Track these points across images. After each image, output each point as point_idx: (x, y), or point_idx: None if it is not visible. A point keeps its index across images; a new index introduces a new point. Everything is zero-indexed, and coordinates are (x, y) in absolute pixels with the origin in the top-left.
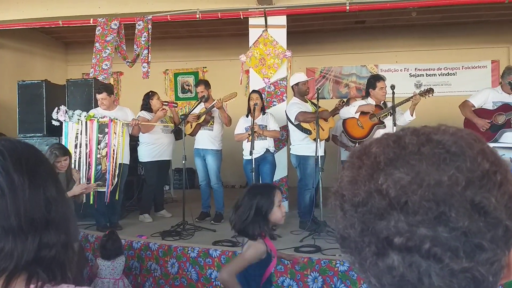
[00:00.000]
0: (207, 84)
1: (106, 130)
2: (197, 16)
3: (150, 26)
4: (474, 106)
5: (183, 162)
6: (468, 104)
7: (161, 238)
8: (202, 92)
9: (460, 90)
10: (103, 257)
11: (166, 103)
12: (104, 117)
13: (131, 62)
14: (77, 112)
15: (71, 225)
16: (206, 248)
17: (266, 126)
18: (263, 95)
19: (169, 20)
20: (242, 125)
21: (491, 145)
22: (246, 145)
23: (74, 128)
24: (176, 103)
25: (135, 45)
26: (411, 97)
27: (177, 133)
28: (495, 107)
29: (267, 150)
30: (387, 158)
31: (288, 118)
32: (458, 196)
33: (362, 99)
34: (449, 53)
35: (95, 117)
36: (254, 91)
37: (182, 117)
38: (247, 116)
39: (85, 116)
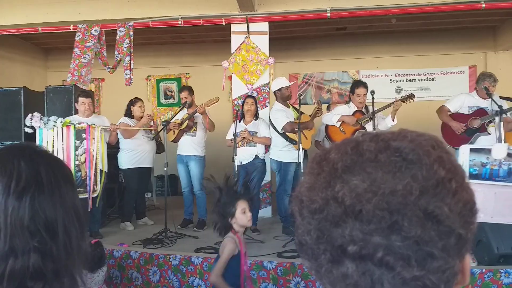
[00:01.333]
0: (191, 90)
1: (84, 135)
2: (179, 22)
3: (131, 33)
4: (450, 110)
5: (165, 168)
6: (444, 109)
7: (142, 246)
8: (186, 98)
9: (439, 95)
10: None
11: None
12: (81, 123)
13: (111, 68)
14: (53, 118)
15: (74, 248)
16: (188, 256)
17: (256, 132)
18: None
19: (151, 27)
20: (233, 130)
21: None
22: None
23: (50, 135)
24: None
25: (116, 52)
26: (393, 102)
27: (158, 147)
28: (471, 112)
29: (256, 157)
30: (344, 165)
31: (272, 124)
32: (411, 206)
33: (346, 104)
34: (428, 59)
35: (72, 123)
36: (249, 96)
37: (164, 123)
38: (239, 121)
39: (61, 122)
